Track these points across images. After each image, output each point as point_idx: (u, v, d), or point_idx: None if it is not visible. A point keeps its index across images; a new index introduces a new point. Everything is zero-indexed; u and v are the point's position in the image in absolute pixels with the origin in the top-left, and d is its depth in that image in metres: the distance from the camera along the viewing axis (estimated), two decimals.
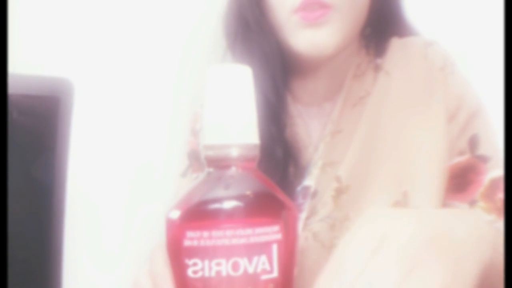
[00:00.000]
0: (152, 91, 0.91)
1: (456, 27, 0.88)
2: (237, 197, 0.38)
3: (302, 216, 0.66)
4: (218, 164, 0.39)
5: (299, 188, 0.68)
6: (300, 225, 0.66)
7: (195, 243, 0.36)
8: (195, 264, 0.37)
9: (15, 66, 0.62)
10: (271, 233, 0.37)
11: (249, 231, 0.37)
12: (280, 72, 0.69)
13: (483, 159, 0.67)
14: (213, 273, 0.36)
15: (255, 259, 0.37)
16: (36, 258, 0.54)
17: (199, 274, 0.36)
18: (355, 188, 0.66)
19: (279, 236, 0.37)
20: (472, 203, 0.66)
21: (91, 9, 0.89)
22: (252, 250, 0.37)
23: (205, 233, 0.36)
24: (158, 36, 0.91)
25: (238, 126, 0.38)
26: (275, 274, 0.37)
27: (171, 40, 0.91)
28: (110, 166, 0.91)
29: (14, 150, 0.50)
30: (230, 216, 0.37)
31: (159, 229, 0.83)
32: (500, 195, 0.66)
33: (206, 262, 0.36)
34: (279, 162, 0.67)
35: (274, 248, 0.37)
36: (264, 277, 0.37)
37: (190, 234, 0.37)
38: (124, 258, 0.90)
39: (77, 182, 0.67)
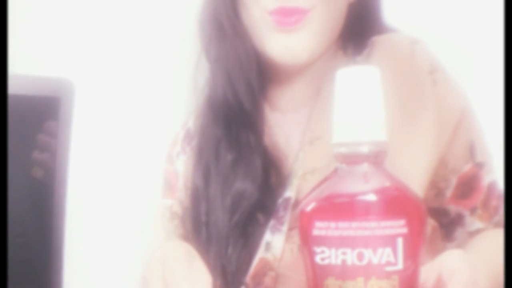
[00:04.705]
0: (153, 91, 0.91)
1: (456, 27, 0.88)
2: (366, 192, 0.40)
3: (284, 228, 0.63)
4: (350, 160, 0.41)
5: (280, 200, 0.64)
6: (283, 237, 0.63)
7: (323, 232, 0.40)
8: (322, 252, 0.40)
9: (15, 66, 0.62)
10: (396, 226, 0.39)
11: (374, 224, 0.39)
12: (256, 78, 0.66)
13: (480, 166, 0.66)
14: (339, 261, 0.39)
15: (379, 250, 0.39)
16: (36, 258, 0.54)
17: (326, 261, 0.39)
18: None
19: (404, 230, 0.39)
20: (473, 210, 0.66)
21: (91, 9, 0.89)
22: (377, 242, 0.39)
23: (332, 224, 0.39)
24: (158, 36, 0.91)
25: (368, 124, 0.41)
26: (399, 266, 0.39)
27: (172, 41, 0.91)
28: (111, 166, 0.91)
29: (14, 150, 0.50)
30: (357, 209, 0.40)
31: (158, 228, 0.83)
32: (494, 202, 0.67)
33: (333, 251, 0.39)
34: (257, 171, 0.64)
35: (399, 241, 0.39)
36: (388, 268, 0.39)
37: (318, 224, 0.40)
38: (125, 257, 0.90)
39: (78, 182, 0.67)
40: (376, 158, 0.41)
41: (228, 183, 0.65)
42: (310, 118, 0.67)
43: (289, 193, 0.64)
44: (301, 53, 0.63)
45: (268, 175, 0.65)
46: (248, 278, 0.62)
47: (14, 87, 0.50)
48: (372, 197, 0.40)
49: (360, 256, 0.39)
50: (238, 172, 0.65)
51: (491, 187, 0.67)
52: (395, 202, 0.41)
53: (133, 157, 0.91)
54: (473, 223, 0.66)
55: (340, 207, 0.40)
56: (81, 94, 0.58)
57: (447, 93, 0.66)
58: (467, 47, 0.85)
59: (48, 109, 0.54)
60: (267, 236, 0.63)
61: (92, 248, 0.90)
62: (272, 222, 0.63)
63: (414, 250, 0.40)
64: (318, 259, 0.40)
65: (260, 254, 0.62)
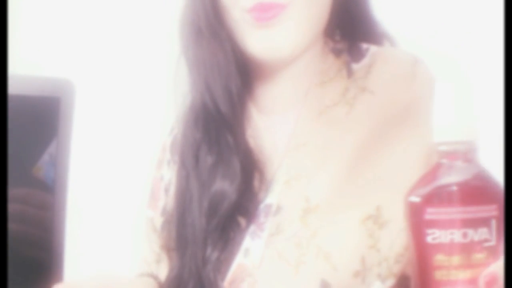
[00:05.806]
0: (153, 91, 0.91)
1: (456, 27, 0.88)
2: (466, 182, 0.50)
3: (264, 234, 0.62)
4: (449, 156, 0.51)
5: (262, 206, 0.64)
6: (263, 244, 0.62)
7: (434, 217, 0.49)
8: (433, 233, 0.49)
9: (15, 67, 0.62)
10: (490, 210, 0.49)
11: (473, 208, 0.49)
12: (235, 82, 0.65)
13: None
14: (447, 240, 0.48)
15: (479, 230, 0.48)
16: (36, 258, 0.55)
17: (437, 241, 0.49)
18: (325, 206, 0.62)
19: (496, 213, 0.49)
20: None
21: (91, 10, 0.89)
22: (476, 223, 0.48)
23: (441, 210, 0.49)
24: (158, 36, 0.91)
25: (464, 127, 0.51)
26: (493, 242, 0.49)
27: (172, 40, 0.91)
28: (111, 166, 0.91)
29: (14, 151, 0.50)
30: (461, 197, 0.49)
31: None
32: None
33: (442, 232, 0.49)
34: (236, 173, 0.64)
35: (493, 222, 0.49)
36: (485, 244, 0.49)
37: (429, 210, 0.49)
38: (126, 257, 0.90)
39: (78, 182, 0.67)
40: (471, 154, 0.50)
41: (207, 185, 0.65)
42: (296, 123, 0.66)
43: (271, 199, 0.64)
44: (281, 48, 0.62)
45: (251, 178, 0.65)
46: (225, 283, 0.61)
47: (14, 87, 0.50)
48: (471, 186, 0.50)
49: (465, 235, 0.48)
50: (217, 174, 0.65)
51: None
52: (488, 190, 0.50)
53: (134, 157, 0.91)
54: None
55: (446, 195, 0.50)
56: (81, 94, 0.58)
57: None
58: (467, 47, 0.85)
59: (48, 109, 0.54)
60: (247, 242, 0.62)
61: (92, 248, 0.90)
62: (252, 228, 0.63)
63: (501, 229, 0.49)
64: (429, 239, 0.49)
65: (239, 259, 0.62)
